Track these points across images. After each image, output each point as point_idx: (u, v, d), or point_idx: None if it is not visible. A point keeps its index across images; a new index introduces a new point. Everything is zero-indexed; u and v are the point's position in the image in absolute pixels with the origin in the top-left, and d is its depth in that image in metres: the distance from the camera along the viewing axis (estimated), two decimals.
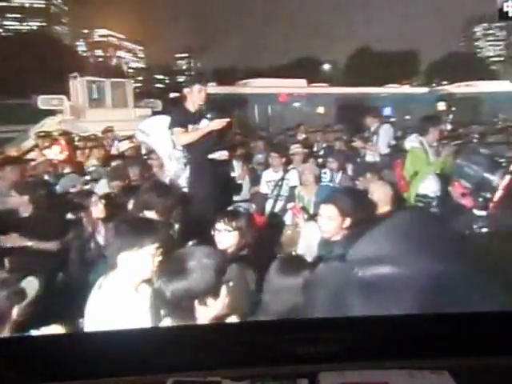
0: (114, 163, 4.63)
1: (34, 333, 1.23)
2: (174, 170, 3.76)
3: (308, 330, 0.75)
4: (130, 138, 6.45)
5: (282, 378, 0.70)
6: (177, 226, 3.27)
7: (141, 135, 4.07)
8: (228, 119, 3.82)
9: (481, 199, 2.06)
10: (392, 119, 11.14)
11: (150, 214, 2.70)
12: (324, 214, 2.52)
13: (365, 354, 0.73)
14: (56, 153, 6.75)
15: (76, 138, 8.54)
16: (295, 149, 5.41)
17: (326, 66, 39.46)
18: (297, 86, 15.92)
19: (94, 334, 1.14)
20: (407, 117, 14.54)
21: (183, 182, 3.73)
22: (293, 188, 4.37)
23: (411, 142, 4.27)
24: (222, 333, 0.85)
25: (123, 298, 1.74)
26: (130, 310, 1.69)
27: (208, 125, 3.72)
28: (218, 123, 3.71)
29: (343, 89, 18.22)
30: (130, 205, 3.00)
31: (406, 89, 20.12)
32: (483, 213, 2.09)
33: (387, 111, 13.12)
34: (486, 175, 2.25)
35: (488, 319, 0.67)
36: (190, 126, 3.74)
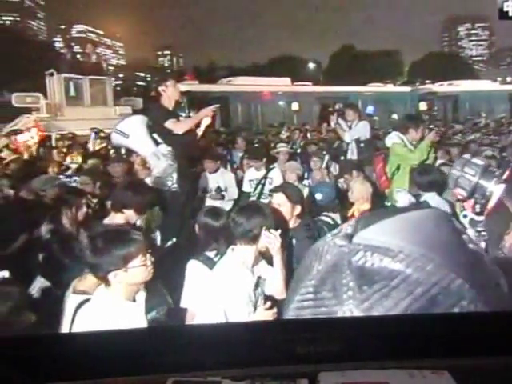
0: (90, 162, 4.59)
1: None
2: (163, 167, 3.69)
3: (308, 330, 0.74)
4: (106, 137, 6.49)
5: (282, 378, 0.71)
6: (154, 225, 3.31)
7: (117, 137, 3.88)
8: (217, 105, 3.98)
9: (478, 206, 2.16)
10: (373, 118, 11.30)
11: (129, 213, 2.72)
12: (274, 202, 2.72)
13: (365, 354, 0.73)
14: (33, 134, 7.05)
15: (53, 137, 8.51)
16: (280, 148, 5.46)
17: (310, 65, 39.79)
18: (281, 84, 16.01)
19: (94, 334, 1.12)
20: (390, 116, 14.82)
21: (173, 178, 3.73)
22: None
23: (392, 139, 4.35)
24: (222, 333, 0.85)
25: (120, 310, 1.75)
26: (129, 321, 1.71)
27: (199, 112, 3.88)
28: (208, 111, 3.86)
29: (327, 88, 18.42)
30: (109, 205, 2.98)
31: (388, 88, 20.45)
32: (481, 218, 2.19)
33: (369, 110, 13.30)
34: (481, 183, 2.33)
35: (488, 319, 0.66)
36: (172, 120, 3.75)
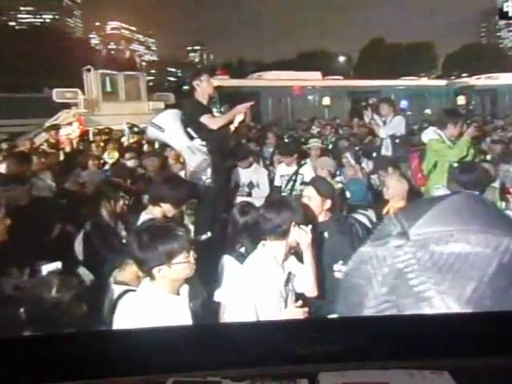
0: (127, 156, 4.71)
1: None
2: (198, 161, 3.71)
3: (308, 330, 0.77)
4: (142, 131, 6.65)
5: (282, 378, 0.71)
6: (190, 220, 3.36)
7: (153, 131, 3.92)
8: (251, 102, 4.00)
9: None
10: (407, 113, 10.98)
11: (166, 206, 2.77)
12: (305, 195, 2.72)
13: (365, 354, 0.73)
14: (74, 128, 7.46)
15: (91, 131, 8.80)
16: (312, 143, 5.39)
17: (341, 59, 39.07)
18: (311, 78, 15.82)
19: (94, 334, 1.17)
20: (425, 111, 14.35)
21: (207, 173, 3.75)
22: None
23: (428, 134, 4.21)
24: (222, 333, 0.85)
25: (164, 304, 1.79)
26: (171, 315, 1.75)
27: (233, 109, 3.89)
28: (242, 108, 3.88)
29: (358, 81, 18.04)
30: (145, 199, 3.06)
31: (423, 81, 19.79)
32: None
33: (403, 104, 12.93)
34: None
35: (488, 319, 0.65)
36: (207, 115, 3.77)
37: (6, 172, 3.86)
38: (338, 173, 4.67)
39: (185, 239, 1.85)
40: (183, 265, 1.81)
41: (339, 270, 2.45)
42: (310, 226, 2.22)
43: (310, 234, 2.18)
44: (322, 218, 2.68)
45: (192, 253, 1.85)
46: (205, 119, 3.73)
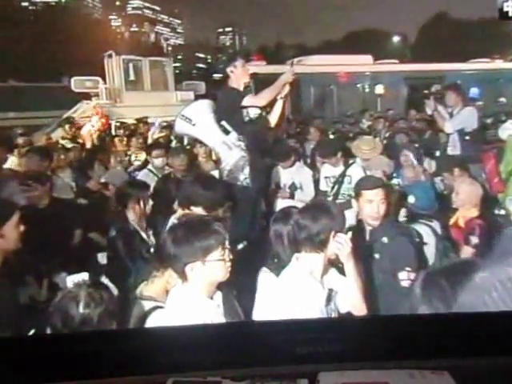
0: (153, 154, 4.81)
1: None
2: (236, 158, 3.68)
3: (308, 330, 0.83)
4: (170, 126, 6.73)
5: (282, 378, 0.78)
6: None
7: (183, 125, 3.87)
8: (295, 67, 4.08)
9: None
10: (479, 103, 10.55)
11: (197, 210, 2.79)
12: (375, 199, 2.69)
13: (365, 354, 0.80)
14: (94, 122, 7.71)
15: (113, 125, 9.03)
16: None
17: (396, 39, 38.26)
18: (361, 63, 15.50)
19: (94, 334, 1.26)
20: (499, 99, 13.74)
21: (245, 172, 3.71)
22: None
23: (508, 129, 4.04)
24: (222, 333, 0.93)
25: (198, 307, 1.85)
26: (204, 318, 1.80)
27: (279, 78, 3.86)
28: (289, 75, 3.89)
29: (417, 65, 17.52)
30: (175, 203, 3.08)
31: (497, 64, 18.86)
32: None
33: (473, 92, 12.40)
34: None
35: (488, 319, 0.72)
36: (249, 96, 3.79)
37: (24, 170, 4.02)
38: (394, 174, 4.58)
39: (222, 235, 1.91)
40: (218, 263, 1.87)
41: (407, 278, 2.41)
42: (349, 234, 2.20)
43: (350, 243, 2.11)
44: (377, 223, 2.67)
45: (228, 252, 1.90)
46: (249, 100, 3.74)
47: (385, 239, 2.59)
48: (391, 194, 2.90)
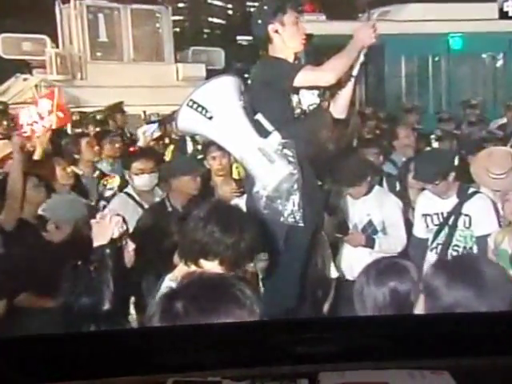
0: (137, 165, 3.18)
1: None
2: (279, 178, 2.32)
3: (308, 330, 0.84)
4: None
5: (282, 378, 0.80)
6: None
7: (193, 117, 2.44)
8: (374, 22, 2.78)
9: None
10: None
11: (211, 266, 1.84)
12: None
13: (365, 354, 0.81)
14: (43, 111, 4.35)
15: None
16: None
17: None
18: (490, 17, 8.28)
19: (94, 334, 1.30)
20: None
21: (294, 201, 2.34)
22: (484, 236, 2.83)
23: None
24: (223, 333, 0.93)
25: None
26: None
27: (354, 39, 2.45)
28: (366, 32, 2.48)
29: None
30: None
31: None
32: None
33: None
34: None
35: (488, 319, 0.74)
36: (305, 68, 2.44)
37: None
38: None
39: (250, 309, 1.12)
40: None
41: None
42: None
43: None
44: None
45: None
46: (305, 76, 2.38)
47: None
48: None
